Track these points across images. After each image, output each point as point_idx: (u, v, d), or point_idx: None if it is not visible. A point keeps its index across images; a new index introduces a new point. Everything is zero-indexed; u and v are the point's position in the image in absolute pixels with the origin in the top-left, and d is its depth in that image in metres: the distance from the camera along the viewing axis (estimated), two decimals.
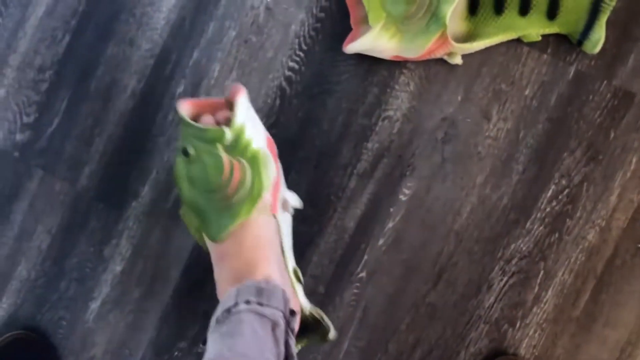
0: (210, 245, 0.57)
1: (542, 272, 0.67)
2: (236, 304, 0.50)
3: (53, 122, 0.75)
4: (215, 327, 0.50)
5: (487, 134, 0.68)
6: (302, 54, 0.70)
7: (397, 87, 0.69)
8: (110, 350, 0.74)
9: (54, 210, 0.75)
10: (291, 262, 0.61)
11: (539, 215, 0.67)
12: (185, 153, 0.55)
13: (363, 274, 0.70)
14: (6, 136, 0.75)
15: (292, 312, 0.51)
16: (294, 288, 0.59)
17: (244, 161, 0.54)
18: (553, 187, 0.67)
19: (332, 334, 0.60)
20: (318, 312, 0.60)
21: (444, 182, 0.69)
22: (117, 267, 0.74)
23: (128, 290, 0.74)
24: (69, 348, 0.75)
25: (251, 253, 0.54)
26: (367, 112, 0.70)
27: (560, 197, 0.67)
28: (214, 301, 0.72)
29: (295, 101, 0.71)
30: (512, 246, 0.68)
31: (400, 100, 0.69)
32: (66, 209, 0.75)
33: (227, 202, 0.54)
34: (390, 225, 0.70)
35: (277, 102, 0.71)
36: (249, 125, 0.56)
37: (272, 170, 0.56)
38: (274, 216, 0.57)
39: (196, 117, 0.57)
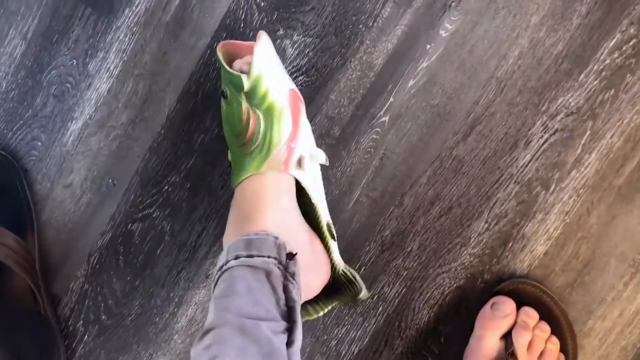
0: None
1: (588, 132, 0.60)
2: (227, 262, 0.50)
3: None
4: (213, 290, 0.50)
5: None
6: None
7: None
8: (91, 178, 0.66)
9: (30, 11, 0.64)
10: (324, 217, 0.58)
11: (595, 67, 0.59)
12: (223, 95, 0.55)
13: (385, 118, 0.62)
14: None
15: (290, 256, 0.50)
16: (327, 245, 0.58)
17: (259, 113, 0.53)
18: (618, 35, 0.58)
19: (363, 293, 0.59)
20: (351, 272, 0.59)
21: (494, 19, 0.59)
22: (104, 84, 0.64)
23: (114, 112, 0.65)
24: (43, 172, 0.66)
25: (248, 207, 0.53)
26: None
27: (624, 47, 0.58)
28: (212, 133, 0.64)
29: None
30: (560, 100, 0.60)
31: None
32: (46, 11, 0.64)
33: (245, 151, 0.54)
34: (424, 64, 0.61)
35: None
36: (268, 74, 0.54)
37: (287, 125, 0.54)
38: (288, 173, 0.54)
39: (233, 59, 0.56)
